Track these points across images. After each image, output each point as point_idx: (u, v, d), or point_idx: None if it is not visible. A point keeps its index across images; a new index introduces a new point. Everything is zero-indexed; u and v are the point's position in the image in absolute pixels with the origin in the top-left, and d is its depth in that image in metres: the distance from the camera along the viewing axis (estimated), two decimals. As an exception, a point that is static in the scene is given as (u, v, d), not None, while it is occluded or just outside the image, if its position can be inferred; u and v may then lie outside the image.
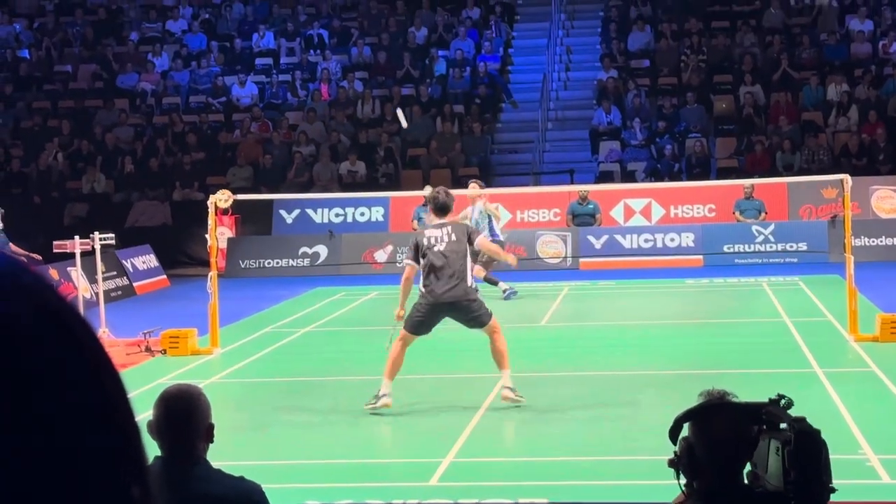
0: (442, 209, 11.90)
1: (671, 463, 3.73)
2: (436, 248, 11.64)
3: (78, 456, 0.98)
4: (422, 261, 11.71)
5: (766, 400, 3.62)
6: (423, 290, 11.74)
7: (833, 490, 3.52)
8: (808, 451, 3.43)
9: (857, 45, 29.88)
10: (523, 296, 20.09)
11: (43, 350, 0.98)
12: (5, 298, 0.98)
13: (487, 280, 19.56)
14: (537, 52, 32.16)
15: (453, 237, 11.71)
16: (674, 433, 3.70)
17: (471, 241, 11.83)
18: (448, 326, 18.07)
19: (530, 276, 22.51)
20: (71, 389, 0.99)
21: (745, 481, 3.66)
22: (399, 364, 11.77)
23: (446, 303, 11.69)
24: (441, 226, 11.82)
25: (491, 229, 19.37)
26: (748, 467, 3.66)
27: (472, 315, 11.81)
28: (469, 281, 11.80)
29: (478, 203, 19.56)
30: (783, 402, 3.58)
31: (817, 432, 3.47)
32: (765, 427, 3.54)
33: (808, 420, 3.54)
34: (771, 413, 3.54)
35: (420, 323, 11.84)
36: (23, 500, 0.95)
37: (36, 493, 0.95)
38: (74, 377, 1.00)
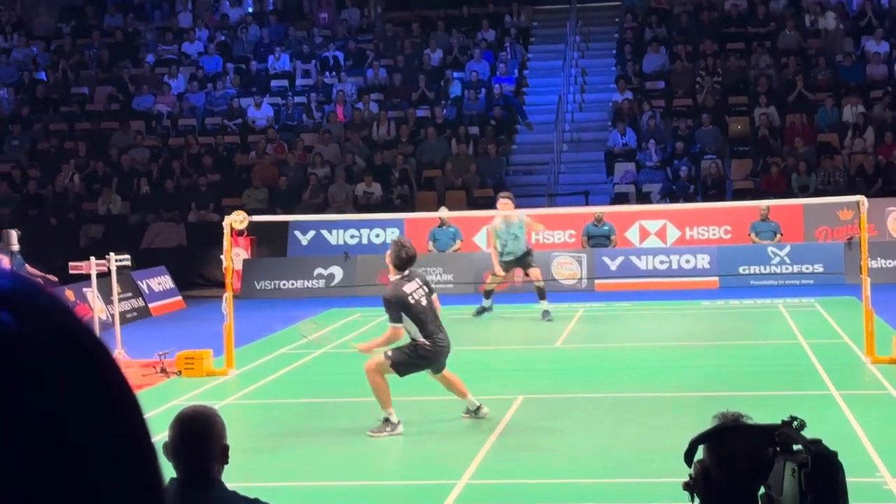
0: (411, 261, 11.99)
1: (686, 486, 3.72)
2: (423, 303, 11.72)
3: (93, 477, 0.98)
4: (406, 316, 11.70)
5: (779, 422, 3.61)
6: (426, 341, 11.74)
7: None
8: (825, 474, 3.41)
9: (873, 67, 29.86)
10: (538, 317, 20.06)
11: (59, 371, 0.99)
12: (22, 320, 0.98)
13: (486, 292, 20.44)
14: (552, 74, 32.22)
15: (424, 287, 11.90)
16: (689, 455, 3.69)
17: (431, 288, 12.06)
18: (463, 347, 18.07)
19: (546, 298, 22.46)
20: (87, 410, 0.99)
21: None
22: (387, 389, 11.76)
23: (446, 351, 11.94)
24: (410, 277, 11.86)
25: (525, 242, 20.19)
26: (762, 490, 3.65)
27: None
28: None
29: (515, 218, 19.84)
30: (796, 423, 3.57)
31: (834, 454, 3.45)
32: (779, 449, 3.52)
33: (825, 442, 3.52)
34: (784, 435, 3.53)
35: (414, 368, 11.90)
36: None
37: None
38: (90, 398, 1.00)
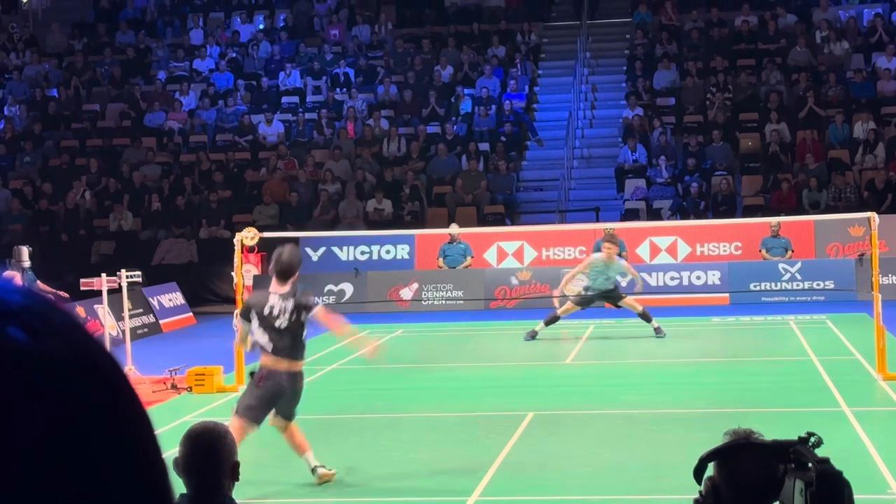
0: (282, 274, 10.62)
1: (697, 503, 3.71)
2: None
3: (105, 494, 0.99)
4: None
5: (794, 438, 3.60)
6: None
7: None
8: (831, 492, 3.40)
9: (884, 83, 29.84)
10: (548, 334, 20.04)
11: (71, 387, 0.99)
12: (34, 336, 0.99)
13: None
14: (563, 91, 32.24)
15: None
16: (699, 472, 3.68)
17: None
18: (473, 364, 18.06)
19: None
20: (98, 427, 1.00)
21: None
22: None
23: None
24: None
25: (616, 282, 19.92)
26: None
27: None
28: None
29: (615, 263, 19.69)
30: (812, 440, 3.55)
31: (839, 473, 3.44)
32: (792, 466, 3.51)
33: (834, 460, 3.51)
34: (799, 452, 3.52)
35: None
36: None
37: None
38: (102, 415, 1.00)
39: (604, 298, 19.92)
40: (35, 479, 0.95)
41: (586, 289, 19.80)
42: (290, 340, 10.40)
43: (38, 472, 0.95)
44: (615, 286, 19.93)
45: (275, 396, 10.44)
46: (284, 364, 10.40)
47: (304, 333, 10.52)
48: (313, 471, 10.58)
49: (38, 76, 33.91)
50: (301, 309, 10.41)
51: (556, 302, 20.49)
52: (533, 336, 19.85)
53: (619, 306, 20.11)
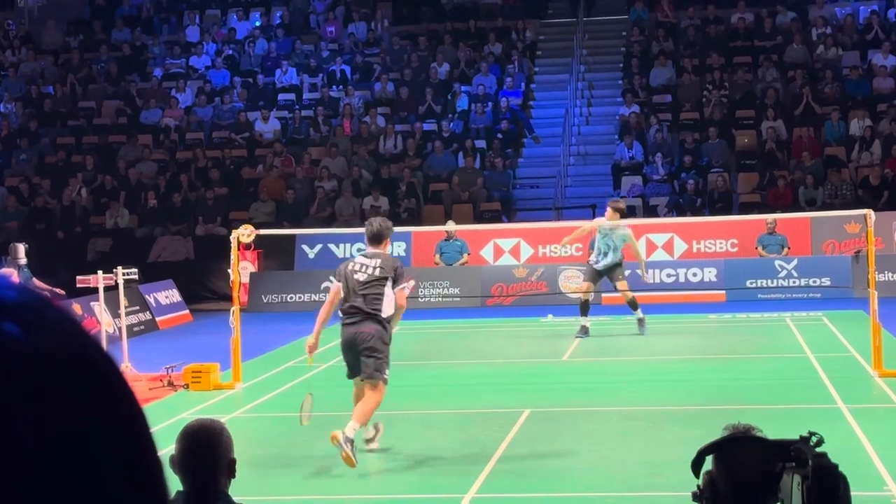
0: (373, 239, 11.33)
1: (695, 496, 3.71)
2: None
3: (100, 491, 0.98)
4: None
5: (796, 437, 3.59)
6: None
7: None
8: (826, 486, 3.40)
9: (880, 80, 29.86)
10: (545, 330, 20.05)
11: (65, 384, 0.99)
12: (30, 332, 0.99)
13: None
14: (559, 88, 32.24)
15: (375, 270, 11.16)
16: (696, 465, 3.68)
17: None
18: (469, 361, 18.05)
19: (552, 312, 22.50)
20: (93, 424, 0.99)
21: None
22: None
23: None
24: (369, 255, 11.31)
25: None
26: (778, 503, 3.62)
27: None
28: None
29: (621, 229, 19.24)
30: (815, 438, 3.55)
31: (835, 466, 3.44)
32: (794, 464, 3.50)
33: (830, 456, 3.51)
34: (799, 450, 3.51)
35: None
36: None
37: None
38: (97, 412, 1.00)
39: (608, 273, 19.49)
40: (28, 475, 0.95)
41: (603, 264, 19.46)
42: (364, 300, 10.93)
43: (31, 468, 0.95)
44: (620, 261, 19.51)
45: (344, 352, 11.14)
46: (355, 321, 10.97)
47: (382, 297, 10.99)
48: (349, 442, 10.66)
49: (33, 73, 33.87)
50: (387, 276, 11.00)
51: (565, 284, 20.45)
52: (586, 332, 19.54)
53: (615, 287, 19.74)
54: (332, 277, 11.77)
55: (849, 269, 24.01)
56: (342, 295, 11.18)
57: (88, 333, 1.03)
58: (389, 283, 11.07)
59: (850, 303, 21.89)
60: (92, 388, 1.00)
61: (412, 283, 10.83)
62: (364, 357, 11.00)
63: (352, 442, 10.65)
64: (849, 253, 24.66)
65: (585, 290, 19.88)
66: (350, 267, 11.21)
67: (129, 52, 34.25)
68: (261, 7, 35.84)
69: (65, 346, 1.00)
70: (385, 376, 11.03)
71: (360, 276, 11.06)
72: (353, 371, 11.23)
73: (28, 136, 31.50)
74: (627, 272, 19.76)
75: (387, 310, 11.06)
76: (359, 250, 26.99)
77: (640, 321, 19.64)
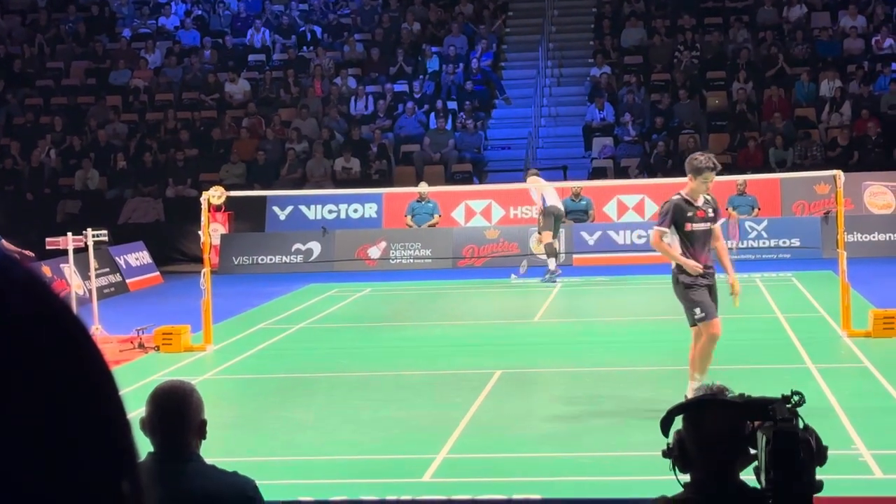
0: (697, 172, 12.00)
1: (665, 454, 3.73)
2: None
3: (68, 451, 0.98)
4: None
5: (779, 396, 3.60)
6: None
7: (819, 484, 3.50)
8: (785, 449, 3.42)
9: (850, 41, 29.91)
10: (516, 292, 20.11)
11: (34, 345, 0.98)
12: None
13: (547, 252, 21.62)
14: (530, 48, 32.16)
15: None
16: (665, 424, 3.70)
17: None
18: (441, 322, 18.08)
19: (514, 272, 22.51)
20: (61, 384, 0.99)
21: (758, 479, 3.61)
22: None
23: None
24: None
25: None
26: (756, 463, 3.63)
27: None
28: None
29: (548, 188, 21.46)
30: (795, 398, 3.55)
31: (795, 432, 3.45)
32: (769, 423, 3.51)
33: (801, 416, 3.53)
34: (774, 410, 3.53)
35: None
36: (12, 495, 0.95)
37: (26, 488, 0.95)
38: (65, 373, 0.99)
39: (557, 221, 21.86)
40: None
41: (553, 208, 21.54)
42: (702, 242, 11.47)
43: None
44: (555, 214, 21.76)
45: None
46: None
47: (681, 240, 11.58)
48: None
49: (1, 33, 33.55)
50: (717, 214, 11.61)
51: (534, 244, 22.03)
52: (552, 276, 21.37)
53: (555, 236, 21.84)
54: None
55: (818, 230, 24.13)
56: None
57: (55, 294, 1.03)
58: None
59: (820, 263, 22.02)
60: (58, 349, 1.00)
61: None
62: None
63: None
64: (818, 214, 24.78)
65: (542, 238, 21.74)
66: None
67: (97, 13, 33.96)
68: (230, -33, 35.56)
69: (31, 306, 1.00)
70: (695, 318, 11.24)
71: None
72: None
73: (-5, 97, 31.24)
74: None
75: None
76: (330, 212, 27.09)
77: (552, 272, 21.32)
